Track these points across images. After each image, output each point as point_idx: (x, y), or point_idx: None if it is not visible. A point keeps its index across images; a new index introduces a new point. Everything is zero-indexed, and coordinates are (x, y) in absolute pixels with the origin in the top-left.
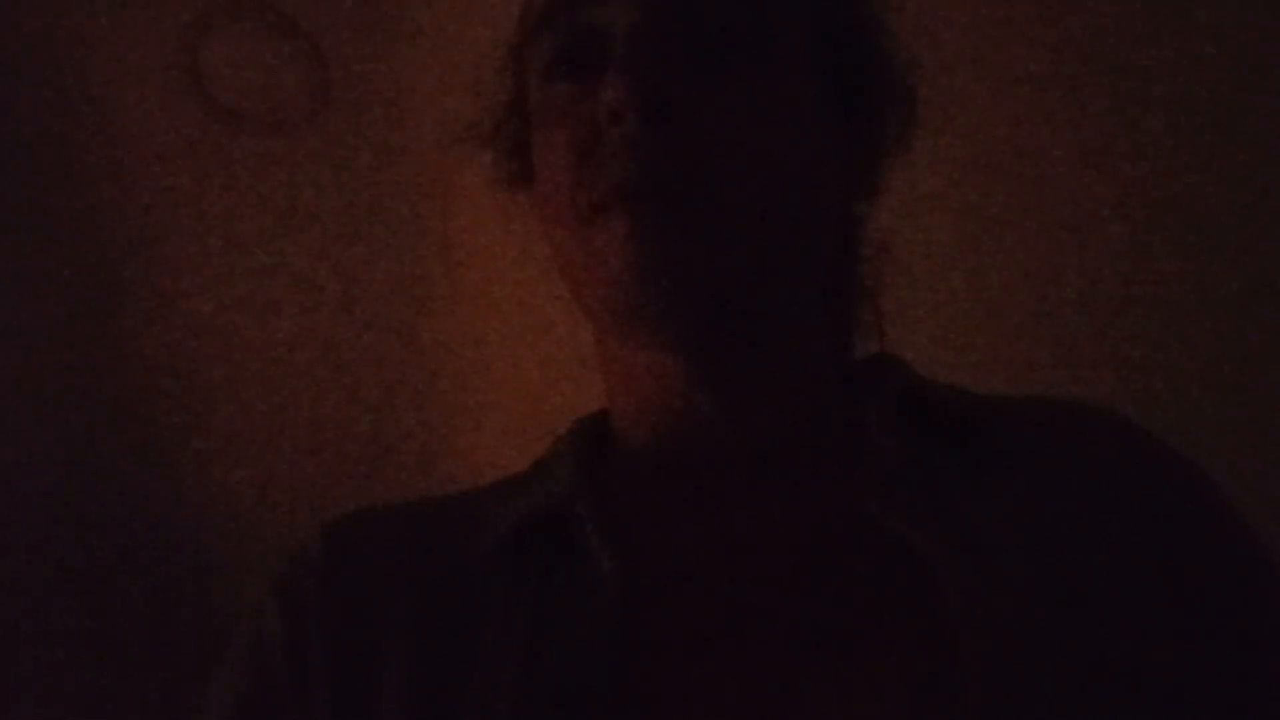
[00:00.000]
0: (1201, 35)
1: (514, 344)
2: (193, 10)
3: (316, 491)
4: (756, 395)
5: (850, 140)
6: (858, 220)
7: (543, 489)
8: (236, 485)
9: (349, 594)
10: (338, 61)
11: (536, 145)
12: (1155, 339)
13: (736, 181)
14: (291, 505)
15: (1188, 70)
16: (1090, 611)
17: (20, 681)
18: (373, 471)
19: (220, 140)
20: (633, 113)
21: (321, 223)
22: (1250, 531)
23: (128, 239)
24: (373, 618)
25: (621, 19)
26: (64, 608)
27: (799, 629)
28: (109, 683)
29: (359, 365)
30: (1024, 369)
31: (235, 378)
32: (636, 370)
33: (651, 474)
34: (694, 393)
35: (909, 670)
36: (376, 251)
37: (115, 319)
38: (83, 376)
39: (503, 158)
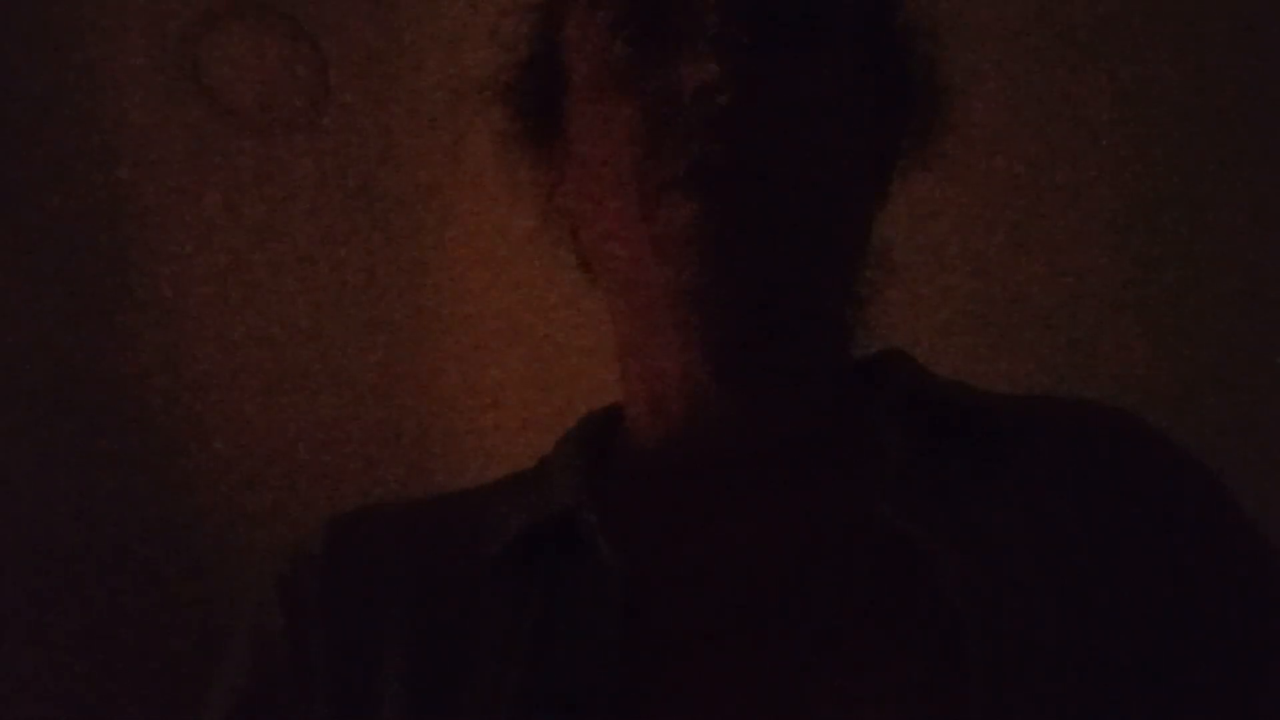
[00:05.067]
0: (1203, 35)
1: (514, 344)
2: (193, 10)
3: (315, 491)
4: (779, 395)
5: (885, 140)
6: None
7: (548, 489)
8: (235, 484)
9: (351, 591)
10: (338, 61)
11: (587, 112)
12: (1157, 340)
13: (807, 170)
14: (290, 504)
15: (1188, 70)
16: (1097, 612)
17: (19, 681)
18: (372, 471)
19: (220, 140)
20: (724, 94)
21: (321, 221)
22: (1256, 531)
23: (127, 238)
24: (375, 615)
25: None
26: (62, 607)
27: (805, 629)
28: (108, 682)
29: (358, 364)
30: (1028, 369)
31: (234, 377)
32: (660, 366)
33: (659, 472)
34: (719, 392)
35: (915, 671)
36: (376, 251)
37: (114, 318)
38: (82, 376)
39: (521, 115)
